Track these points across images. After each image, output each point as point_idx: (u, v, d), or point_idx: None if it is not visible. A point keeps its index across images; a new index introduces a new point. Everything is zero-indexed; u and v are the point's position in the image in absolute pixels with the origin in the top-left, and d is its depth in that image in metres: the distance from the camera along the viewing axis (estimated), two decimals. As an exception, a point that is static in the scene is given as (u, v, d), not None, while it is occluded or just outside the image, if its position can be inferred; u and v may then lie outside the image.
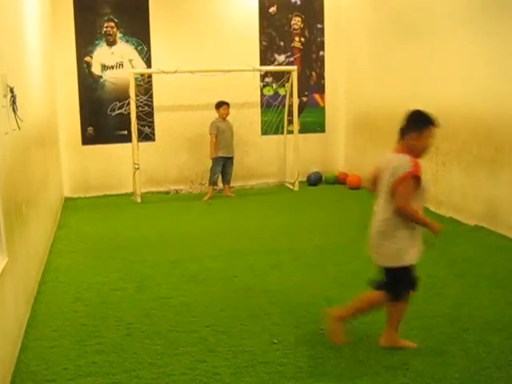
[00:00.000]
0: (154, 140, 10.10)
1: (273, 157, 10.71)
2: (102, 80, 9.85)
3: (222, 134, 9.34)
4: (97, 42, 9.78)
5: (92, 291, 5.10)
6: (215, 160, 9.40)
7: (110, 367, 3.66)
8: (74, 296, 4.99)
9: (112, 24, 9.81)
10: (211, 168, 9.44)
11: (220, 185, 9.72)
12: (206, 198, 9.41)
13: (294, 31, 10.63)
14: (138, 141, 9.42)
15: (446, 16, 7.54)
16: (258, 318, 4.39)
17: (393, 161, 3.79)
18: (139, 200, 9.31)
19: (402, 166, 3.70)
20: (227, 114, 9.46)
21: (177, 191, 10.05)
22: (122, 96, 9.82)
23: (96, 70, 9.81)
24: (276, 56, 10.58)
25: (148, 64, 9.95)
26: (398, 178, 3.67)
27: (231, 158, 9.57)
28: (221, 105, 9.42)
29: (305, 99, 10.78)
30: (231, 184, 9.75)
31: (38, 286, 5.24)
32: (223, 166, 9.48)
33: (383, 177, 3.81)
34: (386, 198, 3.78)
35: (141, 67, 9.90)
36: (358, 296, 4.03)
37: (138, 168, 9.33)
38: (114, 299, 4.89)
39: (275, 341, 3.99)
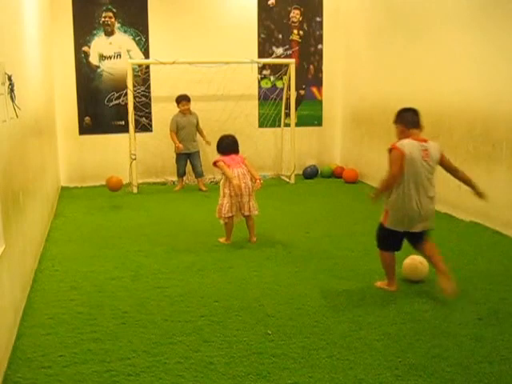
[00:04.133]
0: (151, 131, 10.11)
1: (269, 150, 10.72)
2: (99, 70, 9.84)
3: (181, 130, 9.34)
4: (95, 32, 9.76)
5: (88, 280, 5.12)
6: (177, 155, 9.50)
7: (105, 355, 3.69)
8: (69, 284, 5.01)
9: (110, 14, 9.78)
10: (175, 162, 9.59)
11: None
12: (176, 188, 9.57)
13: (293, 24, 10.63)
14: (135, 131, 9.42)
15: (444, 12, 7.55)
16: (253, 309, 4.41)
17: (430, 147, 4.58)
18: (135, 190, 9.33)
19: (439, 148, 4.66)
20: (187, 110, 9.39)
21: (173, 182, 10.05)
22: (119, 86, 9.81)
23: (94, 60, 9.80)
24: (274, 49, 10.58)
25: (146, 55, 9.94)
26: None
27: (196, 152, 9.57)
28: (179, 100, 9.37)
29: (302, 92, 10.79)
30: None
31: (34, 273, 5.26)
32: (189, 160, 9.53)
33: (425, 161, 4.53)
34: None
35: (139, 58, 9.89)
36: (431, 253, 4.71)
37: (135, 158, 9.34)
38: (109, 288, 4.91)
39: (269, 332, 4.02)
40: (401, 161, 4.47)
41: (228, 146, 6.43)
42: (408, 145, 4.52)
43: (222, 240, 6.30)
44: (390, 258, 4.76)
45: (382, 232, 4.75)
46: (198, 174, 9.63)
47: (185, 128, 9.38)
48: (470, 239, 6.41)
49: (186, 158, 9.53)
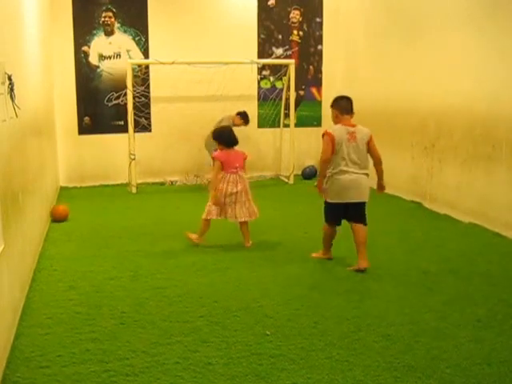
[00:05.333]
0: (150, 131, 10.11)
1: (268, 150, 10.72)
2: (99, 70, 9.83)
3: None
4: (95, 31, 9.76)
5: (86, 280, 5.11)
6: None
7: (104, 355, 3.68)
8: (68, 284, 5.00)
9: (110, 14, 9.78)
10: None
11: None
12: None
13: (293, 25, 10.63)
14: (135, 131, 9.42)
15: (445, 13, 7.55)
16: (252, 310, 4.41)
17: (357, 131, 5.43)
18: (134, 190, 9.32)
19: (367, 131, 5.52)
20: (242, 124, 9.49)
21: (172, 182, 10.06)
22: (118, 86, 9.81)
23: (93, 59, 9.80)
24: (274, 49, 10.58)
25: (145, 55, 9.94)
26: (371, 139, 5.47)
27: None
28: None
29: (302, 93, 10.80)
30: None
31: (32, 273, 5.25)
32: None
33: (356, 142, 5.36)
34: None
35: (138, 58, 9.89)
36: (359, 236, 5.37)
37: (134, 159, 9.34)
38: (108, 288, 4.90)
39: (268, 332, 4.01)
40: (332, 144, 5.26)
41: (230, 138, 6.24)
42: (337, 130, 5.36)
43: (193, 236, 6.18)
44: (331, 231, 5.58)
45: (326, 208, 5.52)
46: None
47: None
48: (470, 240, 6.40)
49: None
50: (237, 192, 6.02)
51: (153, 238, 6.54)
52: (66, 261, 5.69)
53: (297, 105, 10.49)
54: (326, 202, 5.50)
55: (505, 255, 5.85)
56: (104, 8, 9.74)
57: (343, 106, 5.48)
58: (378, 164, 5.55)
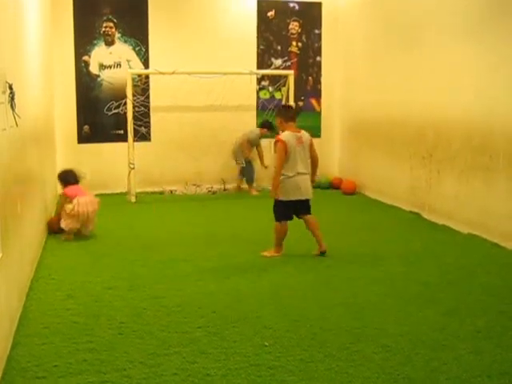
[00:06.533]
0: (149, 140, 10.12)
1: (268, 160, 10.70)
2: (99, 79, 9.86)
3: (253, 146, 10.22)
4: (95, 41, 9.79)
5: (84, 289, 5.09)
6: (247, 163, 10.21)
7: (101, 366, 3.65)
8: (66, 293, 4.98)
9: (111, 24, 9.82)
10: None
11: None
12: (254, 193, 10.12)
13: (292, 36, 10.67)
14: (134, 140, 9.42)
15: (442, 24, 7.58)
16: (250, 321, 4.39)
17: (302, 135, 6.15)
18: (134, 200, 9.31)
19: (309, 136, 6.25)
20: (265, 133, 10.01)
21: (171, 191, 10.05)
22: (118, 96, 9.83)
23: (94, 69, 9.83)
24: (273, 60, 10.61)
25: (145, 65, 9.97)
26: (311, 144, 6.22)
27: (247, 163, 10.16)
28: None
29: (301, 104, 10.81)
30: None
31: (30, 282, 5.23)
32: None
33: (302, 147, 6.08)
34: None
35: (138, 68, 9.92)
36: (312, 224, 6.21)
37: (134, 168, 9.33)
38: (106, 298, 4.88)
39: (266, 344, 3.99)
40: (285, 149, 5.93)
41: (70, 177, 7.20)
42: (287, 136, 6.02)
43: (66, 237, 6.86)
44: (285, 228, 6.12)
45: (277, 206, 6.12)
46: (251, 180, 10.21)
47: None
48: (468, 251, 6.39)
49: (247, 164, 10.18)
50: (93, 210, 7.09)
51: (151, 247, 6.52)
52: (63, 270, 5.67)
53: (296, 115, 10.47)
54: (278, 202, 6.09)
55: (504, 266, 5.85)
56: (105, 18, 9.78)
57: (287, 114, 6.24)
58: (315, 165, 6.29)
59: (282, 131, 6.17)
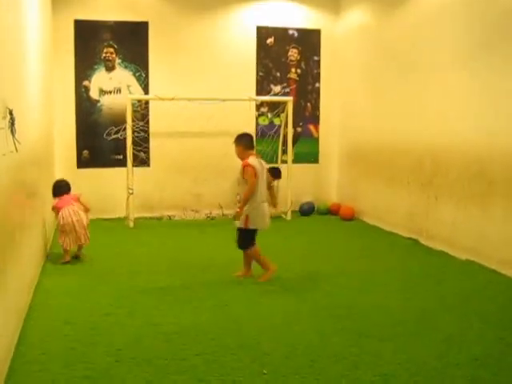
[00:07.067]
0: (148, 165, 10.15)
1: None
2: (99, 104, 9.93)
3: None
4: (96, 66, 9.88)
5: (82, 315, 5.07)
6: None
7: (98, 393, 3.63)
8: (63, 319, 4.95)
9: (111, 50, 9.92)
10: None
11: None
12: None
13: (291, 62, 10.78)
14: (133, 166, 9.45)
15: (440, 52, 7.67)
16: (249, 348, 4.37)
17: (263, 162, 6.27)
18: (132, 225, 9.31)
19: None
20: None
21: (169, 217, 10.06)
22: (118, 121, 9.89)
23: (94, 94, 9.90)
24: (272, 86, 10.70)
25: (145, 90, 10.05)
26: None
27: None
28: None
29: (299, 130, 10.88)
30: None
31: (28, 308, 5.21)
32: None
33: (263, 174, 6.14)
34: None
35: (138, 93, 9.99)
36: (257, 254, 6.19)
37: (132, 193, 9.35)
38: (103, 324, 4.86)
39: (265, 371, 3.97)
40: (255, 174, 5.96)
41: (60, 188, 7.31)
42: (255, 161, 6.08)
43: (63, 259, 6.92)
44: (257, 250, 6.16)
45: (245, 235, 6.10)
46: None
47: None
48: (466, 278, 6.39)
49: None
50: (79, 220, 7.05)
51: (149, 273, 6.51)
52: (61, 295, 5.65)
53: (294, 141, 10.56)
54: (244, 229, 6.08)
55: (501, 293, 5.84)
56: (105, 44, 9.89)
57: (247, 143, 6.22)
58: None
59: (242, 159, 6.17)
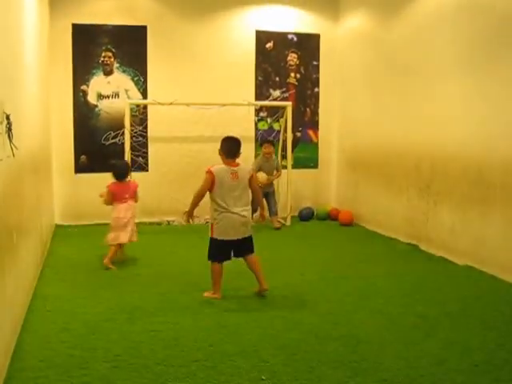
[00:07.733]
0: (147, 170, 10.13)
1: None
2: (97, 109, 9.91)
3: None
4: (94, 71, 9.86)
5: (80, 321, 5.04)
6: None
7: (96, 400, 3.61)
8: (61, 326, 4.93)
9: (109, 54, 9.90)
10: None
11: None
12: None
13: (290, 67, 10.78)
14: (132, 171, 9.42)
15: (440, 57, 7.67)
16: (247, 354, 4.35)
17: (239, 170, 5.77)
18: (130, 230, 9.26)
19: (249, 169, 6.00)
20: (269, 154, 9.74)
21: (169, 222, 10.03)
22: (116, 126, 9.87)
23: (92, 98, 9.88)
24: (271, 91, 10.70)
25: (144, 95, 10.03)
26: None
27: (272, 192, 9.92)
28: (262, 143, 9.93)
29: (298, 135, 10.87)
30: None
31: (25, 314, 5.18)
32: (265, 199, 9.46)
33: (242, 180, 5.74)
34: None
35: (137, 98, 9.97)
36: (254, 265, 5.87)
37: (130, 198, 9.31)
38: (102, 330, 4.83)
39: (264, 378, 3.95)
40: (211, 182, 5.63)
41: (120, 171, 7.21)
42: (219, 169, 5.71)
43: (106, 261, 6.87)
44: (219, 269, 5.77)
45: (212, 245, 5.76)
46: (273, 213, 9.81)
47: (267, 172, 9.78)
48: (466, 284, 6.37)
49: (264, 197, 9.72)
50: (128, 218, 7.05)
51: (148, 279, 6.49)
52: (59, 301, 5.62)
53: (294, 146, 10.55)
54: (212, 240, 5.75)
55: (501, 299, 5.82)
56: (104, 48, 9.87)
57: (228, 150, 5.80)
58: (258, 198, 6.18)
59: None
